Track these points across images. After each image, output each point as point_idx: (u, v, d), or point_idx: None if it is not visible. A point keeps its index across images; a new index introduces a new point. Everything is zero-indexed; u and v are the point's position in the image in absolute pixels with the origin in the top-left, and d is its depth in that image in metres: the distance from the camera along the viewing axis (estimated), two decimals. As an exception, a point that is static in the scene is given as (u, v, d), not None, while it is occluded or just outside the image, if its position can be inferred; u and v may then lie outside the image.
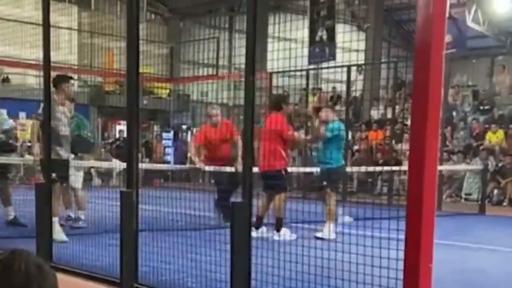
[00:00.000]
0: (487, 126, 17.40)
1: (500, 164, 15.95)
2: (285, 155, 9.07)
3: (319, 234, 8.39)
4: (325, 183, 9.13)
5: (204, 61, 22.84)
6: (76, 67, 22.21)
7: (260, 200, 8.62)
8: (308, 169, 13.49)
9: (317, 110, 12.37)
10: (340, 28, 24.16)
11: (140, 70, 5.43)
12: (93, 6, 25.59)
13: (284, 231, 8.61)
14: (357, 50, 22.10)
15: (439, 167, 14.21)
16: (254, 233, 8.46)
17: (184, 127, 24.62)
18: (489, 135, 16.85)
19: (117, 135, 22.67)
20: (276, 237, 8.40)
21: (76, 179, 9.41)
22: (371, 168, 15.48)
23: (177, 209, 6.24)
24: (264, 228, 8.80)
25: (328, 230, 8.42)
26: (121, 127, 21.80)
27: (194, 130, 24.40)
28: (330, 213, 8.75)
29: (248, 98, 4.57)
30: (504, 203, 15.30)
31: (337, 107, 19.70)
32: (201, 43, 24.86)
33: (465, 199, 16.06)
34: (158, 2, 26.84)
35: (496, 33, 25.53)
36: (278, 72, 16.52)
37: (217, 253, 5.25)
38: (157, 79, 23.83)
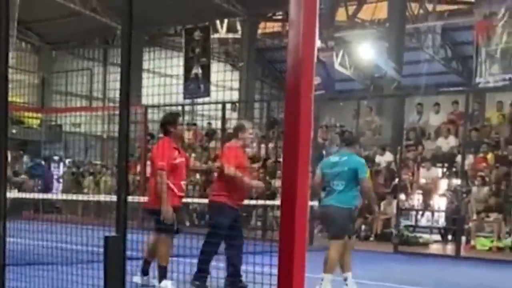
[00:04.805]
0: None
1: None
2: (177, 190, 7.65)
3: None
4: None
5: (77, 92, 22.37)
6: None
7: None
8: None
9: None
10: (216, 66, 24.62)
11: (9, 99, 5.27)
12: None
13: (165, 283, 7.43)
14: (231, 88, 22.60)
15: (311, 203, 14.67)
16: (139, 279, 7.53)
17: (55, 158, 23.86)
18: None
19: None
20: None
21: None
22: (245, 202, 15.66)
23: (48, 242, 6.05)
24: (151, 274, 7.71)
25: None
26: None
27: (67, 161, 23.73)
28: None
29: (122, 131, 4.56)
30: (371, 238, 15.92)
31: (212, 144, 19.92)
32: (74, 74, 24.37)
33: (335, 234, 16.57)
34: (29, 30, 26.06)
35: (362, 77, 26.98)
36: (153, 106, 16.62)
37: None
38: (27, 109, 23.05)
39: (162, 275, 7.44)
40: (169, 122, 7.80)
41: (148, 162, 8.67)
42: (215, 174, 8.03)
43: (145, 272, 7.72)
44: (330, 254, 7.75)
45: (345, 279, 7.89)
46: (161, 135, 8.30)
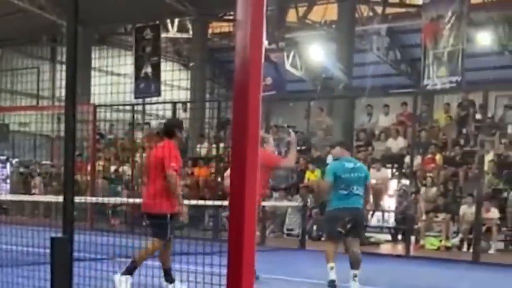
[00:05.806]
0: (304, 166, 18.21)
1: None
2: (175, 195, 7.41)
3: None
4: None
5: (24, 91, 21.89)
6: None
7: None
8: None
9: None
10: (167, 65, 24.44)
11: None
12: None
13: (123, 278, 7.22)
14: (179, 87, 22.47)
15: (262, 203, 14.69)
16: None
17: (2, 157, 23.29)
18: (308, 174, 17.65)
19: None
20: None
21: None
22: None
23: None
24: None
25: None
26: None
27: (14, 161, 23.20)
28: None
29: (69, 130, 4.49)
30: (323, 238, 15.99)
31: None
32: (19, 73, 23.86)
33: (287, 234, 16.64)
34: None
35: (313, 78, 27.19)
36: (103, 105, 16.39)
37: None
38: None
39: (129, 270, 7.25)
40: (177, 126, 7.77)
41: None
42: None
43: (170, 280, 7.56)
44: (357, 251, 8.42)
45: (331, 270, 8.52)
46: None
